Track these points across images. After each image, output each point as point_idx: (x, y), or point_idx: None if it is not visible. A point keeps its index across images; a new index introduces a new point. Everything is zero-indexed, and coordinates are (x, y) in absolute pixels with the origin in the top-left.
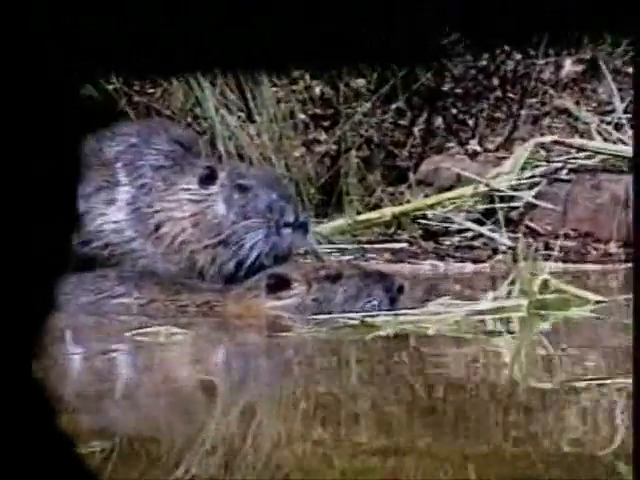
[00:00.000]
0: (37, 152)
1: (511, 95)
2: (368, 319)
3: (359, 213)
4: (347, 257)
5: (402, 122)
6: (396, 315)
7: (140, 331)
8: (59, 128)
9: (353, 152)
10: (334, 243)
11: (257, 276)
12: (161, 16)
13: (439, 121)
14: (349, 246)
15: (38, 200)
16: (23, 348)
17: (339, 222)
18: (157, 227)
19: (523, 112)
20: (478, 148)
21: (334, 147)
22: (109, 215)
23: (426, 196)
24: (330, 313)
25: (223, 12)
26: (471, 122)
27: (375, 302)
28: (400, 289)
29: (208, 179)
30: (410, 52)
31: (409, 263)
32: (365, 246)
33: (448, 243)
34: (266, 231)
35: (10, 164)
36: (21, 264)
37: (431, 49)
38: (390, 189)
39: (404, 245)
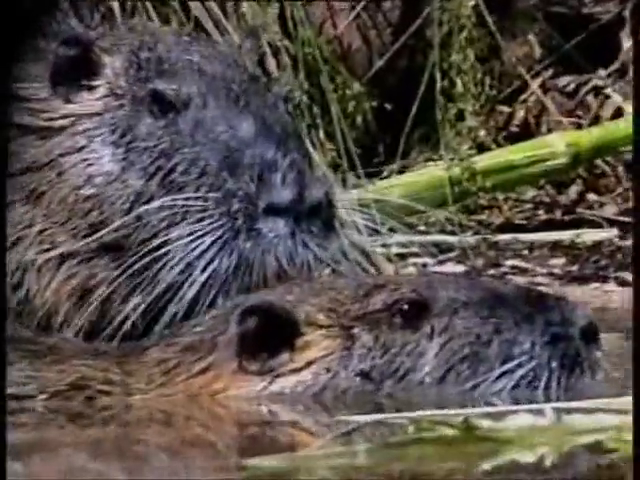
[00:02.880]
0: None
1: None
2: (478, 421)
3: (479, 149)
4: (447, 268)
5: None
6: (565, 413)
7: None
8: None
9: None
10: (408, 229)
11: (210, 315)
12: None
13: None
14: (451, 238)
15: None
16: None
17: (422, 173)
18: None
19: None
20: None
21: None
22: None
23: None
24: (398, 410)
25: None
26: None
27: (525, 368)
28: (590, 332)
29: (72, 76)
30: None
31: (619, 284)
32: (497, 238)
33: None
34: (224, 224)
35: None
36: None
37: None
38: (564, 80)
39: (608, 235)
